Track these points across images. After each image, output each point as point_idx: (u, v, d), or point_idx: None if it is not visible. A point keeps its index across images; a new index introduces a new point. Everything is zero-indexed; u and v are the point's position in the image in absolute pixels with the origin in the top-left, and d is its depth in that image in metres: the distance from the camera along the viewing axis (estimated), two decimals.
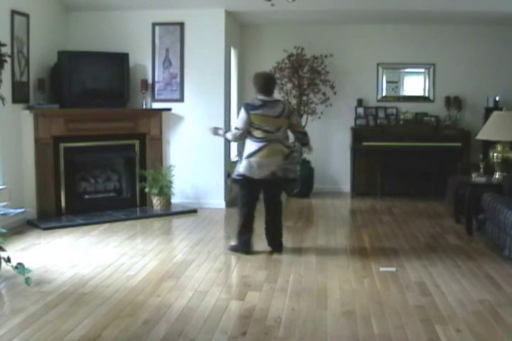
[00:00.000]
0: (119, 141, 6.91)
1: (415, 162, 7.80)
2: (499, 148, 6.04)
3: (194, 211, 6.93)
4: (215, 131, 5.27)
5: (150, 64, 7.16)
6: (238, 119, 5.04)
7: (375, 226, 6.24)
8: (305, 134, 5.28)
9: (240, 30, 8.29)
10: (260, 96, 5.02)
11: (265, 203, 5.23)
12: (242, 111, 4.97)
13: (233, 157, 7.99)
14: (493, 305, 3.77)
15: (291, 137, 5.24)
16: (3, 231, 4.37)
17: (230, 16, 7.36)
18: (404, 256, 5.00)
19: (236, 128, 5.04)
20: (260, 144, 4.92)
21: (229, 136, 5.14)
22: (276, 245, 5.20)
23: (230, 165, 7.01)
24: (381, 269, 4.62)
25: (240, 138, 5.06)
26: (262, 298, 3.94)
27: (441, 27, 8.04)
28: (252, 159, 4.92)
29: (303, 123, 7.77)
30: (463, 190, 6.00)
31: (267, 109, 4.94)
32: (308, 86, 7.99)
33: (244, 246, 5.11)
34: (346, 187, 8.25)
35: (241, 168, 4.98)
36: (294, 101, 7.99)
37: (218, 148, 7.20)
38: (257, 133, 4.93)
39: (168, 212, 6.87)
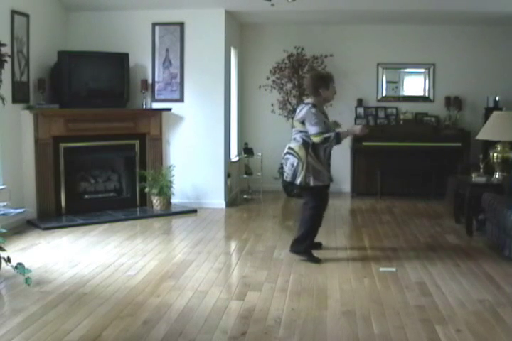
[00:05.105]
0: (119, 141, 6.91)
1: (415, 162, 7.80)
2: (499, 148, 6.04)
3: (194, 211, 6.93)
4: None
5: (150, 64, 7.16)
6: None
7: (375, 226, 6.24)
8: (321, 144, 4.84)
9: (239, 30, 8.29)
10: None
11: None
12: None
13: (233, 157, 8.00)
14: (493, 305, 3.77)
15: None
16: (3, 231, 4.37)
17: (230, 16, 7.36)
18: (404, 256, 5.01)
19: None
20: None
21: None
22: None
23: None
24: (381, 269, 4.62)
25: None
26: (262, 298, 3.94)
27: (441, 27, 8.05)
28: None
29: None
30: (463, 190, 6.00)
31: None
32: None
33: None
34: (346, 187, 8.25)
35: None
36: (293, 101, 7.99)
37: (218, 148, 7.20)
38: None
39: (168, 212, 6.87)
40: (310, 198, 5.02)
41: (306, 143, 4.88)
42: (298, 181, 4.88)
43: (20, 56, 6.08)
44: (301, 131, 4.90)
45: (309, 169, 4.86)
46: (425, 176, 7.83)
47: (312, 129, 4.81)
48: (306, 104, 4.95)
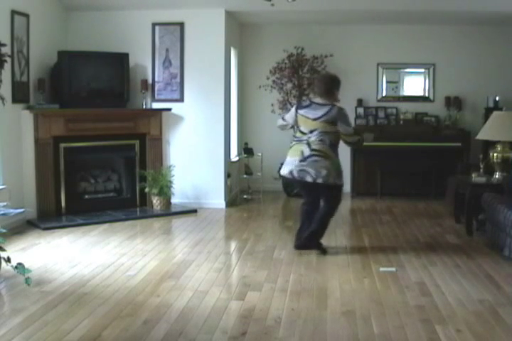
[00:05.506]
0: (119, 141, 6.90)
1: (415, 162, 7.80)
2: (499, 148, 6.03)
3: (194, 211, 6.93)
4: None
5: (150, 64, 7.16)
6: (288, 112, 5.34)
7: (375, 226, 6.24)
8: (352, 143, 5.25)
9: (239, 30, 8.29)
10: (315, 98, 5.16)
11: None
12: (294, 106, 5.25)
13: (233, 157, 8.00)
14: (493, 305, 3.77)
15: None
16: (3, 231, 4.37)
17: (230, 16, 7.36)
18: (404, 256, 5.00)
19: (282, 117, 5.35)
20: (293, 143, 5.12)
21: (277, 121, 5.44)
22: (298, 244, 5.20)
23: None
24: (381, 269, 4.62)
25: (281, 128, 5.40)
26: (262, 298, 3.94)
27: (441, 27, 8.05)
28: (286, 157, 5.16)
29: None
30: (463, 190, 6.00)
31: (308, 110, 5.02)
32: (308, 86, 7.99)
33: (295, 243, 5.22)
34: (346, 187, 8.16)
35: None
36: (293, 101, 7.98)
37: (218, 148, 7.20)
38: (296, 133, 5.14)
39: (168, 212, 6.87)
40: (334, 196, 5.14)
41: (333, 145, 5.01)
42: (330, 181, 4.95)
43: (20, 56, 6.08)
44: (327, 133, 4.94)
45: (339, 169, 5.03)
46: (425, 176, 7.83)
47: (349, 129, 5.02)
48: (332, 105, 5.01)
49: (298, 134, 5.09)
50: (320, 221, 5.11)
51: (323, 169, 4.90)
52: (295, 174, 4.99)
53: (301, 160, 4.95)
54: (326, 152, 4.94)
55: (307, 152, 4.94)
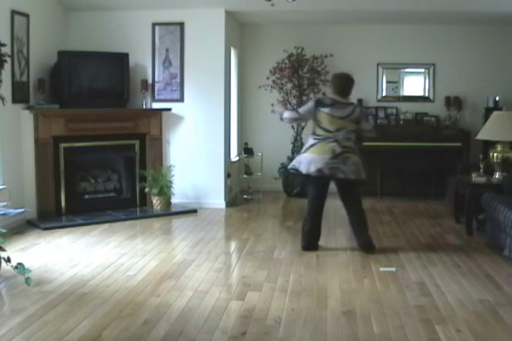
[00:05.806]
0: (119, 141, 6.90)
1: (415, 162, 7.80)
2: (499, 148, 6.04)
3: (194, 211, 6.93)
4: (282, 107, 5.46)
5: (150, 64, 7.16)
6: (304, 106, 5.30)
7: (375, 226, 6.23)
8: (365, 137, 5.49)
9: (239, 30, 8.29)
10: (334, 97, 5.17)
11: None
12: (311, 102, 5.21)
13: (233, 157, 8.00)
14: (493, 305, 3.77)
15: None
16: (3, 231, 4.37)
17: (230, 16, 7.36)
18: (404, 256, 5.00)
19: (297, 111, 5.30)
20: (315, 141, 5.09)
21: (285, 113, 5.31)
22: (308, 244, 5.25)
23: None
24: (381, 269, 4.62)
25: (290, 121, 5.39)
26: (262, 298, 3.94)
27: (441, 27, 8.05)
28: (305, 154, 5.12)
29: (303, 124, 7.79)
30: (463, 190, 6.00)
31: (334, 109, 5.05)
32: (308, 86, 7.99)
33: (305, 244, 5.22)
34: None
35: (294, 161, 5.21)
36: (294, 101, 7.99)
37: (218, 148, 7.20)
38: (318, 131, 5.11)
39: (168, 212, 6.87)
40: (359, 191, 5.30)
41: (354, 142, 5.14)
42: (361, 176, 5.09)
43: (20, 56, 6.08)
44: (352, 131, 5.09)
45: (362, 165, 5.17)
46: (425, 176, 7.83)
47: (370, 126, 5.36)
48: (354, 104, 5.21)
49: (320, 132, 5.08)
50: (363, 217, 5.28)
51: (355, 165, 5.03)
52: (326, 171, 5.00)
53: (332, 158, 4.98)
54: (354, 148, 5.10)
55: (338, 149, 4.99)
